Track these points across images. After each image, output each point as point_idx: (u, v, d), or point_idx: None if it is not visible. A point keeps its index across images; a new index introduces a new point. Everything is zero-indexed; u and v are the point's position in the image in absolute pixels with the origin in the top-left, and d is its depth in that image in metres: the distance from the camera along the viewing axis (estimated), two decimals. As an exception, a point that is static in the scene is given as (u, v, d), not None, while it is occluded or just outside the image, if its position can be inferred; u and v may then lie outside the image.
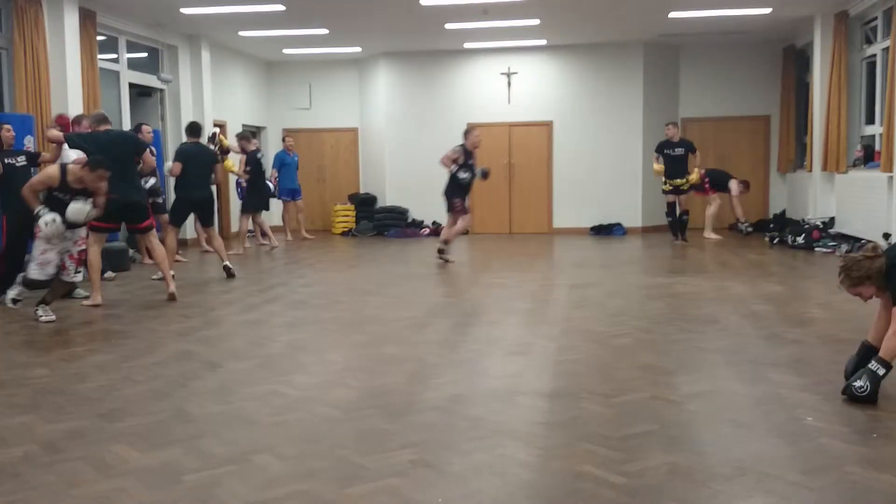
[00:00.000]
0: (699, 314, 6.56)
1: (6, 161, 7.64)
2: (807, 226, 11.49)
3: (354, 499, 2.97)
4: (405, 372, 4.85)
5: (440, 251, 10.46)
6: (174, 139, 12.37)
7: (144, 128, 10.59)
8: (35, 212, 6.44)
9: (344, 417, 3.97)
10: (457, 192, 10.53)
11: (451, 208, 10.58)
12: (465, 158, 10.43)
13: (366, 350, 5.52)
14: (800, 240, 11.19)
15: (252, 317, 6.86)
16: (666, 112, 14.83)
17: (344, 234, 15.28)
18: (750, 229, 13.06)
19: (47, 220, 6.37)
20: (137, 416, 4.03)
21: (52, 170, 6.64)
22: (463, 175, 10.46)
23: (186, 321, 6.65)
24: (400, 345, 5.62)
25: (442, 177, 15.05)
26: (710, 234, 12.97)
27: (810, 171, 12.32)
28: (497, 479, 3.16)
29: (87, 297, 7.67)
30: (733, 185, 12.91)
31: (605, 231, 14.42)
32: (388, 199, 15.31)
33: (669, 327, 6.07)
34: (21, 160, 7.87)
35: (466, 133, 10.67)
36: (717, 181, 13.00)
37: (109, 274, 9.00)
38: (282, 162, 13.80)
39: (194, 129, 9.97)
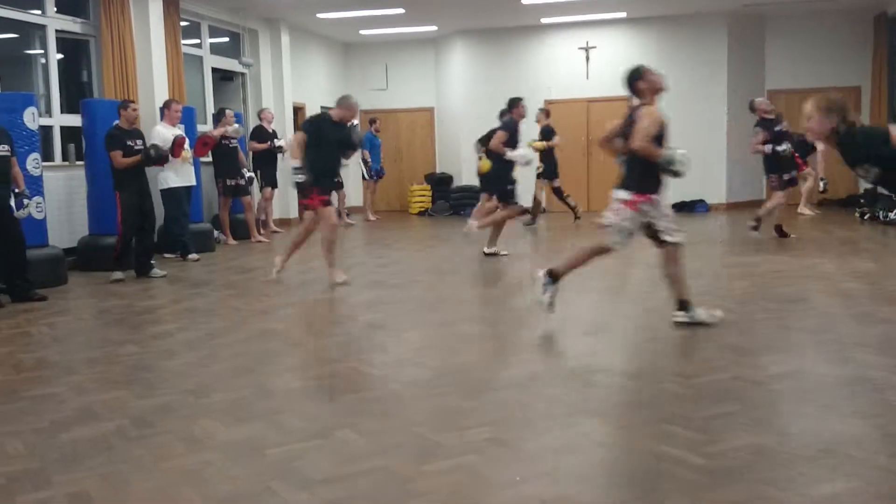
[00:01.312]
0: (785, 293, 6.38)
1: (126, 143, 7.91)
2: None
3: (432, 475, 3.00)
4: (482, 350, 4.86)
5: (755, 224, 9.86)
6: (255, 122, 12.61)
7: (228, 112, 10.85)
8: (665, 157, 5.15)
9: (421, 395, 4.01)
10: (774, 167, 9.91)
11: (770, 184, 10.12)
12: (772, 130, 9.79)
13: (442, 329, 5.55)
14: (892, 215, 10.77)
15: (331, 296, 6.97)
16: (752, 85, 14.40)
17: (420, 213, 15.37)
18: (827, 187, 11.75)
19: (680, 156, 5.19)
20: (223, 392, 4.15)
21: (653, 112, 5.24)
22: (782, 148, 9.78)
23: (269, 300, 6.80)
24: (476, 324, 5.64)
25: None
26: (804, 210, 12.57)
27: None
28: (574, 458, 3.14)
29: (164, 276, 7.94)
30: (819, 146, 12.49)
31: (687, 208, 14.12)
32: (464, 178, 15.31)
33: (754, 306, 5.93)
34: (139, 144, 8.11)
35: (755, 105, 10.16)
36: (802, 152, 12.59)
37: (193, 255, 9.27)
38: (371, 143, 13.96)
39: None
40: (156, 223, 8.29)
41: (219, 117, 10.88)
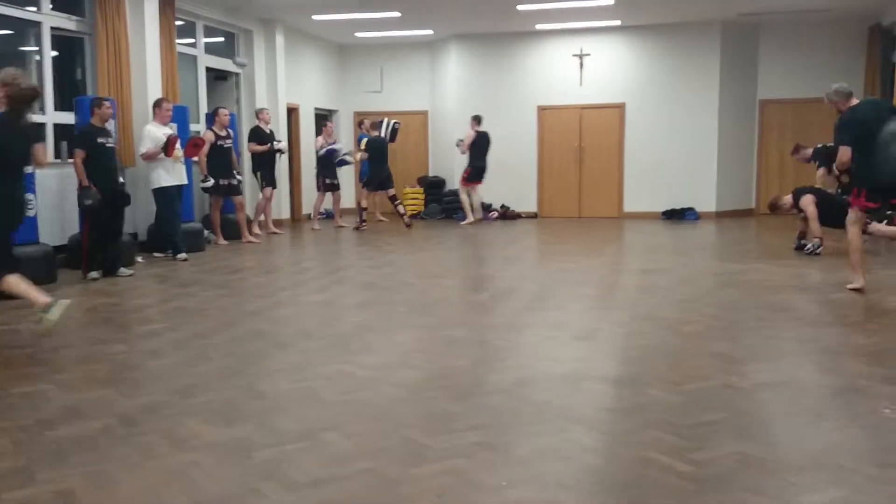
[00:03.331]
0: (774, 302, 6.40)
1: (98, 140, 7.91)
2: (890, 212, 11.05)
3: (419, 478, 2.99)
4: (471, 354, 4.86)
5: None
6: (248, 122, 12.59)
7: (221, 111, 10.83)
8: None
9: (410, 398, 4.01)
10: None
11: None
12: None
13: (433, 332, 5.55)
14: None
15: (322, 297, 6.96)
16: (744, 94, 14.47)
17: (412, 216, 15.35)
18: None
19: None
20: (211, 393, 4.13)
21: None
22: None
23: (258, 301, 6.79)
24: (467, 327, 5.63)
25: (514, 160, 15.05)
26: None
27: (895, 155, 11.85)
28: (562, 463, 3.14)
29: (131, 275, 7.91)
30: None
31: (677, 216, 14.17)
32: (456, 182, 15.31)
33: (742, 315, 5.94)
34: (111, 142, 8.13)
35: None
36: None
37: (182, 255, 9.24)
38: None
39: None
40: (124, 223, 8.27)
41: (212, 117, 10.87)
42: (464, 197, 13.93)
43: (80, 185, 7.83)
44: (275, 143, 11.82)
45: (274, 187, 12.04)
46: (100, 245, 7.93)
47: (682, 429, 3.48)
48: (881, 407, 3.75)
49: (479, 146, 13.70)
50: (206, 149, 10.32)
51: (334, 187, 13.28)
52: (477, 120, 13.82)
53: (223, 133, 10.73)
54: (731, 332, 5.39)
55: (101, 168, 7.89)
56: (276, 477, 3.02)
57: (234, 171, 10.85)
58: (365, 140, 12.98)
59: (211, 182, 10.44)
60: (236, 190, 10.92)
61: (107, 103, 8.17)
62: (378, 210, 14.62)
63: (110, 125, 8.79)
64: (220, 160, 10.64)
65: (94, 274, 7.84)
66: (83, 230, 7.98)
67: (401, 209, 13.05)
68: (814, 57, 14.19)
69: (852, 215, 6.68)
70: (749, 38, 14.45)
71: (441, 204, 15.13)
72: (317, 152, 13.23)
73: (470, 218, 13.83)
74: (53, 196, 8.75)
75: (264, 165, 11.77)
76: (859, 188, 6.50)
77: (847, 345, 5.00)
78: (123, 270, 8.05)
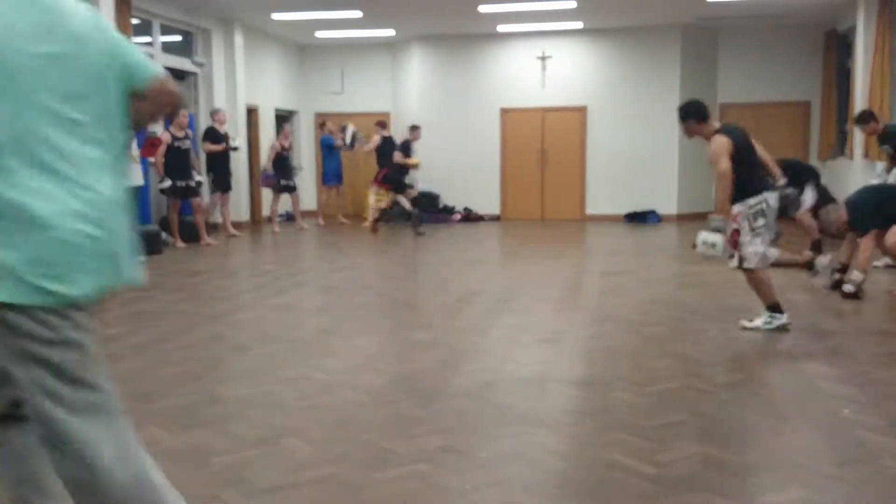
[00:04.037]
0: (734, 304, 6.46)
1: None
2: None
3: (382, 483, 2.96)
4: (435, 358, 4.83)
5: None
6: (207, 122, 12.44)
7: (181, 112, 10.68)
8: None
9: (372, 402, 3.97)
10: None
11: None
12: None
13: (396, 335, 5.52)
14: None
15: (282, 301, 6.88)
16: (704, 97, 14.52)
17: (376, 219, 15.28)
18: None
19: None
20: (170, 398, 4.05)
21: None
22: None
23: (218, 304, 6.69)
24: (430, 330, 5.60)
25: (476, 162, 15.06)
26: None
27: (851, 158, 12.07)
28: (526, 466, 3.13)
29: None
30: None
31: (638, 218, 14.27)
32: (419, 184, 15.27)
33: (703, 316, 5.99)
34: None
35: None
36: None
37: (139, 258, 9.08)
38: (330, 146, 13.92)
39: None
40: None
41: (171, 117, 10.70)
42: (371, 199, 13.43)
43: None
44: (231, 141, 11.63)
45: (225, 191, 11.73)
46: None
47: (645, 430, 3.48)
48: (840, 408, 3.79)
49: (385, 150, 13.32)
50: (162, 149, 10.16)
51: (290, 189, 13.15)
52: (382, 125, 13.68)
53: (181, 134, 10.58)
54: (693, 334, 5.42)
55: None
56: (236, 483, 2.96)
57: (193, 173, 10.69)
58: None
59: (168, 183, 10.29)
60: (194, 192, 10.77)
61: None
62: (339, 213, 14.52)
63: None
64: (178, 161, 10.48)
65: None
66: None
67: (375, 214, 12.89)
68: (772, 61, 14.41)
69: None
70: (709, 43, 14.62)
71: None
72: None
73: (366, 222, 13.47)
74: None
75: (217, 167, 11.52)
76: None
77: (804, 346, 5.06)
78: None
